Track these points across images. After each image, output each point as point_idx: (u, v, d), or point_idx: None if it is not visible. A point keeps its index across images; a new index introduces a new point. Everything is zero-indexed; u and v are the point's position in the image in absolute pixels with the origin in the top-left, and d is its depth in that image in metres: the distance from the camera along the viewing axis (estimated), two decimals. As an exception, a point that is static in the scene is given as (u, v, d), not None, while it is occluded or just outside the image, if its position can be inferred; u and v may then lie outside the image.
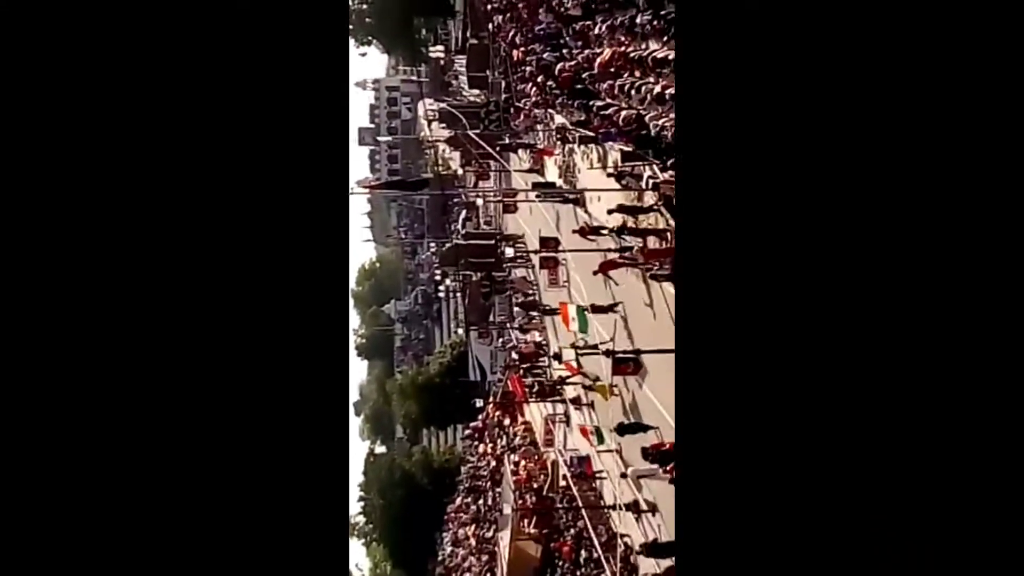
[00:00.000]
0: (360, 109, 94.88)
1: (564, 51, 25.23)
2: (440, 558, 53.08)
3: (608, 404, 22.50)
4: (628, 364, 19.63)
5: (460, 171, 47.66)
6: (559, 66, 24.62)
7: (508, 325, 38.48)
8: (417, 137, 72.63)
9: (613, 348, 20.90)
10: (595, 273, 21.79)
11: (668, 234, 18.41)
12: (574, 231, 24.05)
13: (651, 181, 18.65)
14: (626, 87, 19.42)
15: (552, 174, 30.06)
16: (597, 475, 24.60)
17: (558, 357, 28.66)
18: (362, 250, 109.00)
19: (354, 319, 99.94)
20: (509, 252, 35.34)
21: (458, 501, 49.14)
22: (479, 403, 47.37)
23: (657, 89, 17.63)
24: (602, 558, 21.72)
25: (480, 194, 40.37)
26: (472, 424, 49.12)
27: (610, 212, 20.65)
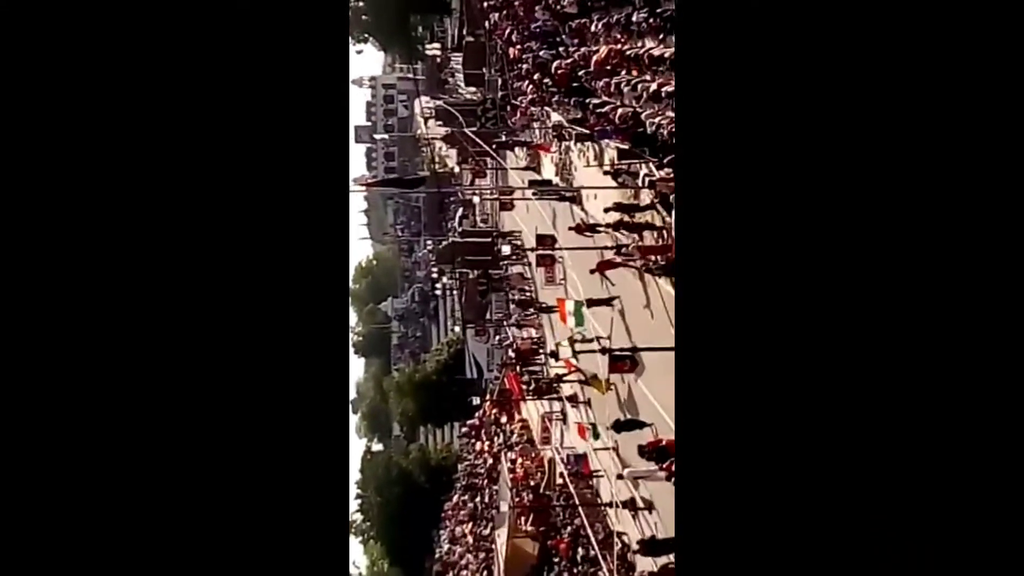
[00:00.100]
0: (357, 107, 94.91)
1: (560, 49, 25.23)
2: (437, 556, 53.10)
3: (604, 401, 22.53)
4: (624, 362, 19.66)
5: (457, 169, 47.66)
6: (555, 64, 24.62)
7: (505, 323, 38.48)
8: (414, 135, 72.62)
9: (610, 346, 20.92)
10: (592, 272, 21.80)
11: (664, 231, 18.43)
12: (570, 228, 24.07)
13: (647, 179, 18.65)
14: (622, 85, 19.42)
15: (549, 172, 30.06)
16: (594, 473, 24.62)
17: (555, 355, 28.67)
18: (359, 248, 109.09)
19: (351, 317, 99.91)
20: (506, 250, 35.33)
21: (455, 499, 49.16)
22: (476, 401, 47.36)
23: (653, 87, 17.63)
24: (599, 556, 21.74)
25: (477, 192, 40.37)
26: (469, 422, 49.11)
27: (607, 211, 20.66)
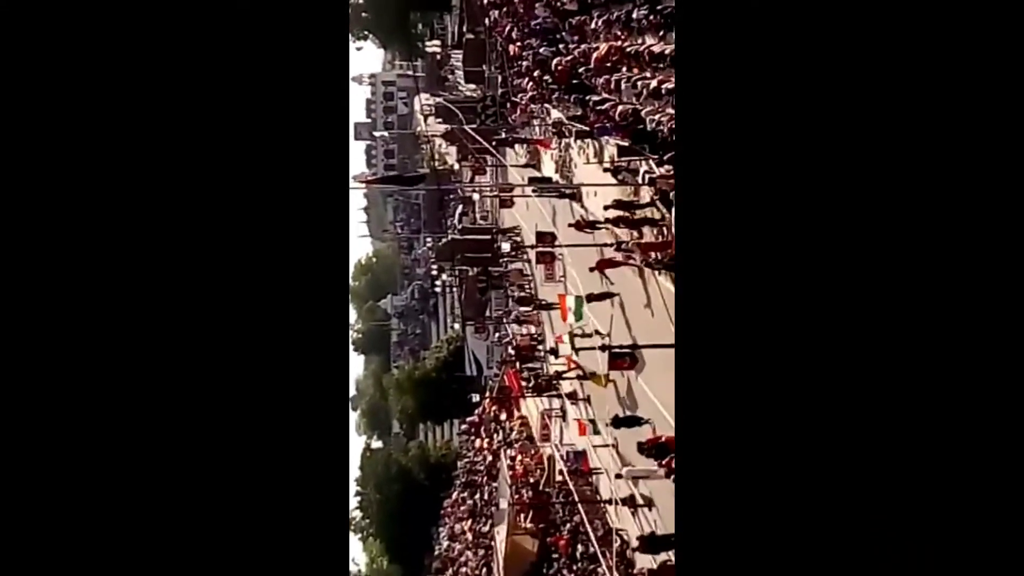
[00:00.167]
0: (356, 104, 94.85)
1: (560, 46, 25.22)
2: (436, 553, 53.15)
3: (604, 397, 22.54)
4: (624, 359, 19.67)
5: (456, 166, 47.65)
6: (555, 61, 24.61)
7: (505, 320, 38.50)
8: (413, 132, 72.57)
9: (609, 343, 20.94)
10: (591, 270, 21.82)
11: (664, 228, 18.44)
12: (570, 225, 24.08)
13: (647, 176, 18.66)
14: (622, 82, 19.42)
15: (548, 169, 30.06)
16: (593, 471, 24.65)
17: (554, 352, 28.69)
18: (359, 245, 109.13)
19: (351, 314, 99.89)
20: (506, 247, 35.35)
21: (454, 496, 49.21)
22: (475, 398, 47.40)
23: (653, 84, 17.63)
24: (598, 552, 21.77)
25: (477, 189, 40.37)
26: (469, 419, 49.16)
27: (607, 208, 20.67)
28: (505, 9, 32.00)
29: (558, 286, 27.75)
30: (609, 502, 22.52)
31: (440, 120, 41.15)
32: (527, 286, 35.09)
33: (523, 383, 32.13)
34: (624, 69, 19.66)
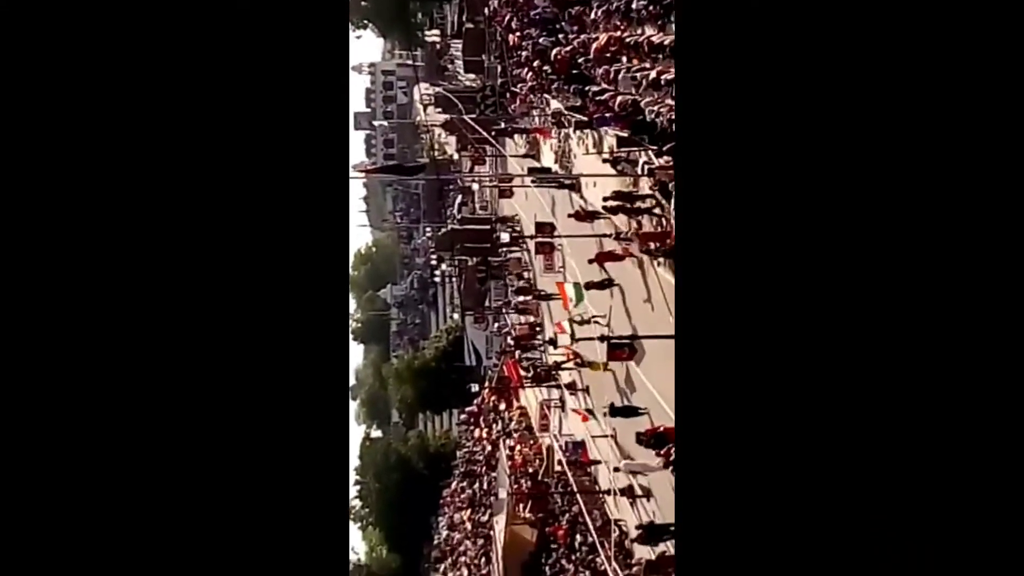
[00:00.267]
0: (356, 93, 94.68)
1: (560, 36, 25.16)
2: (436, 542, 53.27)
3: (603, 388, 22.57)
4: (624, 350, 19.68)
5: (456, 156, 47.58)
6: (555, 51, 24.56)
7: (504, 310, 38.51)
8: (413, 122, 72.47)
9: (609, 334, 20.95)
10: (591, 262, 21.82)
11: (664, 219, 18.43)
12: (570, 215, 24.07)
13: (646, 167, 18.64)
14: (621, 73, 19.38)
15: (548, 159, 30.03)
16: (593, 462, 24.69)
17: (553, 343, 28.71)
18: (358, 235, 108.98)
19: (350, 304, 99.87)
20: (505, 237, 35.32)
21: (454, 485, 49.27)
22: (475, 388, 47.45)
23: (653, 75, 17.60)
24: (597, 542, 21.81)
25: (476, 179, 40.32)
26: (468, 409, 49.19)
27: (606, 200, 20.66)
28: (505, -1, 31.95)
29: (557, 276, 27.76)
30: (608, 492, 22.56)
31: (440, 110, 41.10)
32: (525, 274, 35.09)
33: (522, 373, 32.15)
34: (624, 59, 19.62)
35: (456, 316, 59.17)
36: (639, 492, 20.27)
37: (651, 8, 18.32)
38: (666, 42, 17.35)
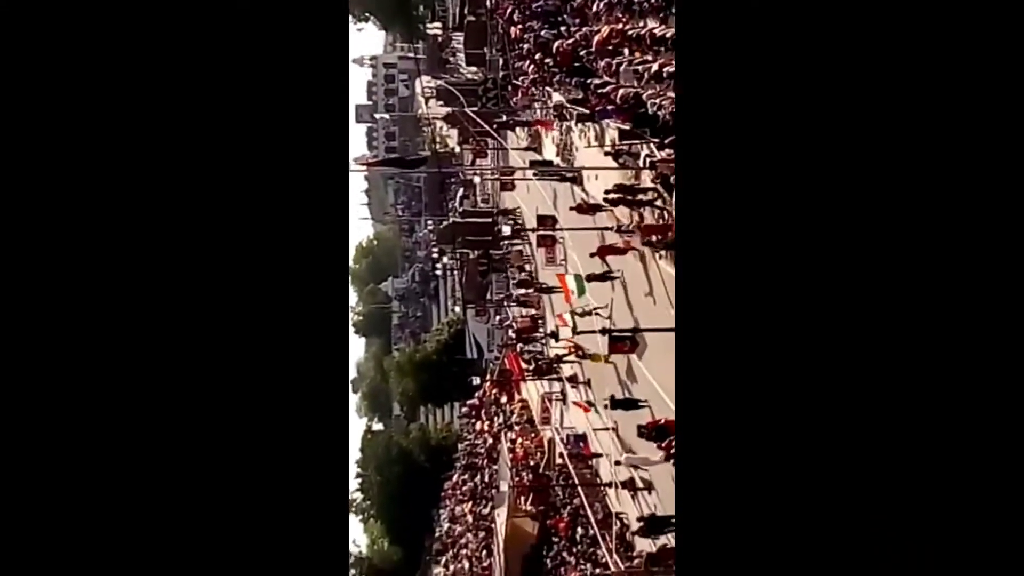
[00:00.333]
0: (357, 86, 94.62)
1: (562, 28, 25.13)
2: (437, 535, 53.38)
3: (604, 380, 22.59)
4: (625, 343, 19.69)
5: (458, 149, 47.55)
6: (557, 44, 24.53)
7: (506, 303, 38.52)
8: (414, 114, 72.43)
9: (610, 327, 20.97)
10: (592, 256, 21.83)
11: (666, 212, 18.42)
12: (572, 208, 24.06)
13: (648, 160, 18.63)
14: (623, 66, 19.36)
15: (550, 152, 30.01)
16: (594, 455, 24.73)
17: (555, 336, 28.75)
18: (360, 228, 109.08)
19: (351, 297, 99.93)
20: (506, 230, 35.32)
21: (455, 478, 49.38)
22: (476, 381, 47.49)
23: (655, 67, 17.57)
24: (598, 535, 21.87)
25: (478, 172, 40.31)
26: (469, 402, 49.25)
27: (607, 193, 20.65)
28: (506, -9, 31.88)
29: (559, 269, 27.78)
30: (609, 485, 22.60)
31: (441, 103, 41.07)
32: (527, 266, 35.10)
33: (524, 366, 32.18)
34: (626, 52, 19.58)
35: (457, 309, 59.17)
36: (640, 485, 20.31)
37: (653, 0, 18.28)
38: (668, 35, 17.32)
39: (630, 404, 20.08)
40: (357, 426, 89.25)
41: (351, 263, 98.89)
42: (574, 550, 25.19)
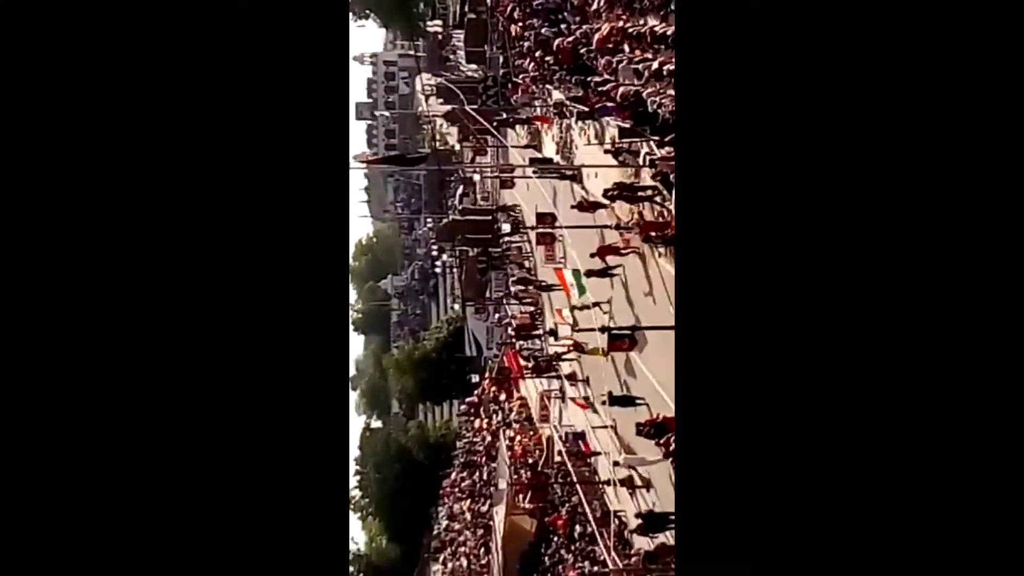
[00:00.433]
0: (358, 83, 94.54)
1: (562, 26, 25.09)
2: (435, 532, 53.37)
3: (603, 378, 22.58)
4: (624, 340, 19.68)
5: (458, 146, 47.52)
6: (557, 41, 24.51)
7: (504, 301, 38.51)
8: (414, 112, 72.33)
9: (610, 325, 20.97)
10: (592, 256, 21.82)
11: (666, 210, 18.41)
12: (573, 206, 24.03)
13: (648, 158, 18.61)
14: (623, 63, 19.34)
15: (549, 150, 29.99)
16: (593, 454, 24.73)
17: (554, 333, 28.75)
18: (359, 225, 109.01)
19: (351, 294, 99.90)
20: (506, 228, 35.30)
21: (453, 476, 49.35)
22: (475, 378, 47.43)
23: (655, 65, 17.55)
24: (596, 532, 21.86)
25: (477, 170, 40.28)
26: (468, 399, 49.24)
27: (607, 192, 20.63)
28: (507, -11, 31.83)
29: (558, 267, 27.75)
30: (608, 483, 22.59)
31: (441, 100, 40.99)
32: (526, 263, 35.08)
33: (523, 364, 32.17)
34: (626, 50, 19.56)
35: (457, 307, 59.14)
36: (639, 483, 20.30)
37: (653, -1, 18.26)
38: (668, 32, 17.29)
39: (628, 401, 20.08)
40: (356, 423, 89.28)
41: (351, 260, 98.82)
42: (572, 548, 25.18)
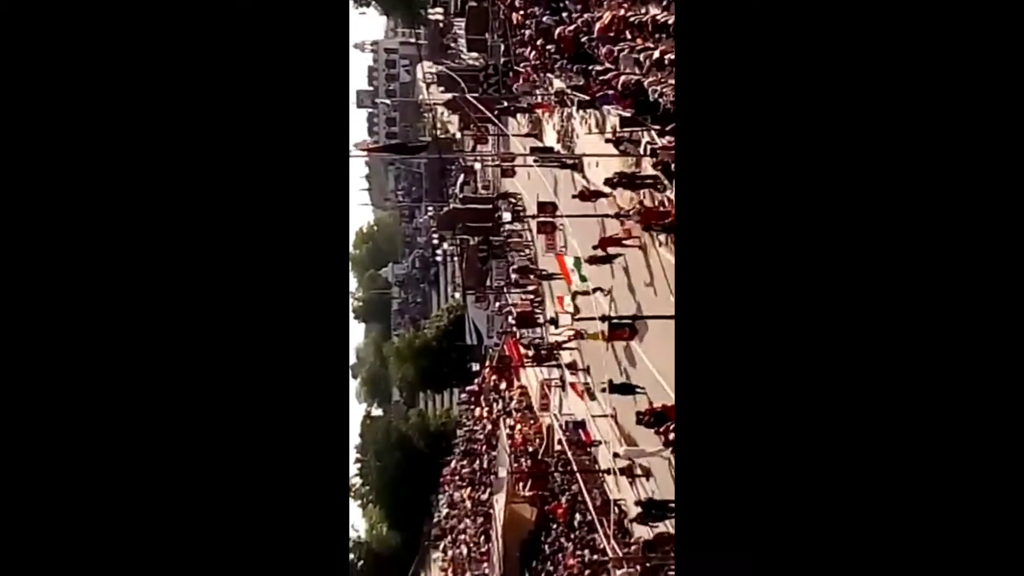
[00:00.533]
0: (358, 71, 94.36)
1: (564, 15, 25.03)
2: (435, 520, 53.47)
3: (603, 366, 22.61)
4: (624, 329, 19.71)
5: (458, 135, 47.42)
6: (558, 30, 24.45)
7: (505, 290, 38.50)
8: (415, 100, 72.24)
9: (610, 314, 20.99)
10: (594, 248, 21.83)
11: (667, 199, 18.40)
12: (574, 196, 24.02)
13: (649, 147, 18.59)
14: (624, 52, 19.29)
15: (550, 139, 29.95)
16: (594, 443, 24.78)
17: (554, 322, 28.76)
18: (360, 213, 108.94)
19: (351, 282, 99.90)
20: (507, 216, 35.29)
21: (454, 464, 49.42)
22: (475, 367, 47.43)
23: (656, 54, 17.52)
24: (596, 521, 21.92)
25: (478, 158, 40.22)
26: (468, 388, 49.28)
27: (608, 181, 20.62)
28: (508, -23, 31.73)
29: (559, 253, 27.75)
30: (608, 472, 22.65)
31: (442, 88, 40.89)
32: (527, 250, 35.07)
33: (523, 352, 32.19)
34: (627, 39, 19.52)
35: (457, 295, 59.13)
36: (639, 472, 20.35)
37: (655, -13, 18.21)
38: (670, 22, 17.25)
39: (627, 389, 20.11)
40: (356, 412, 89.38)
41: (351, 249, 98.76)
42: (572, 536, 25.25)
